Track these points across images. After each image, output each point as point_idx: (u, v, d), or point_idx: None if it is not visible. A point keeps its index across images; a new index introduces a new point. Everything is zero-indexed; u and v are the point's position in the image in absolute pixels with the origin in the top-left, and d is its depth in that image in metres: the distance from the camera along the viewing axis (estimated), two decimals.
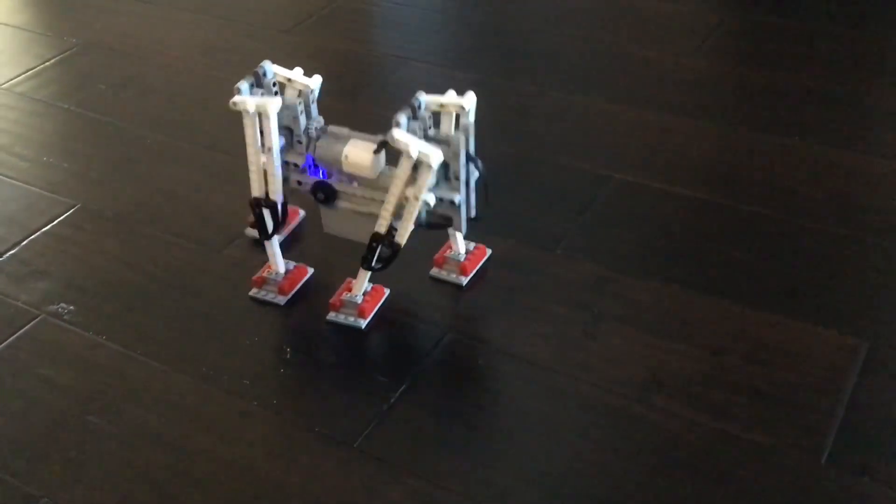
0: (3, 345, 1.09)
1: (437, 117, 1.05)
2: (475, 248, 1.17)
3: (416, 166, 1.00)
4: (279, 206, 1.08)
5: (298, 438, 0.97)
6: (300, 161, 1.09)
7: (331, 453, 0.95)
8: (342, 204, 1.09)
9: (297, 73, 1.09)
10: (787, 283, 1.12)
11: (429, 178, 1.00)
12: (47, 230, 1.26)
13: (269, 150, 1.06)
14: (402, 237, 1.04)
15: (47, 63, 1.65)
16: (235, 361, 1.06)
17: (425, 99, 1.04)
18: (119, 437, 0.97)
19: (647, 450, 0.94)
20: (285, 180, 1.09)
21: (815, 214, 1.22)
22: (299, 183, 1.10)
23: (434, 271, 1.15)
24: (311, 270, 1.16)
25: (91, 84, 1.56)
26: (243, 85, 1.06)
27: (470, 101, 1.04)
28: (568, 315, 1.09)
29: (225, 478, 0.93)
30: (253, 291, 1.14)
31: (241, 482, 0.93)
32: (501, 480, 0.92)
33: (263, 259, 1.16)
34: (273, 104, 1.04)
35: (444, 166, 1.03)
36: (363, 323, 1.09)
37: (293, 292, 1.13)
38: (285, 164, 1.09)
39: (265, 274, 1.14)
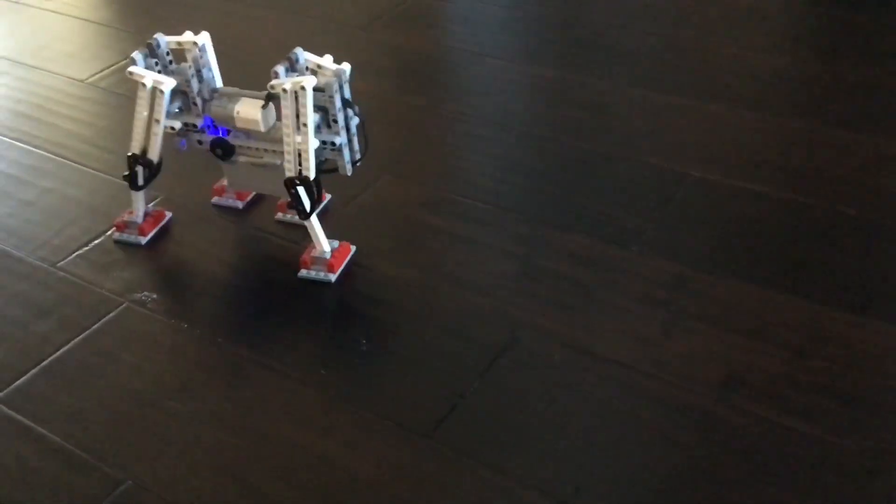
0: (89, 331, 1.12)
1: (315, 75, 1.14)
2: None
3: (296, 98, 1.08)
4: (155, 165, 1.20)
5: (374, 428, 0.97)
6: (198, 122, 1.18)
7: (406, 444, 0.95)
8: (241, 158, 1.19)
9: (186, 37, 1.16)
10: (872, 283, 1.09)
11: (309, 101, 1.08)
12: None
13: (157, 122, 1.17)
14: (309, 169, 1.11)
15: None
16: (313, 351, 1.07)
17: (304, 56, 1.13)
18: (200, 422, 0.99)
19: (725, 450, 0.92)
20: (185, 139, 1.20)
21: None
22: (199, 142, 1.20)
23: (278, 215, 1.26)
24: (168, 214, 1.28)
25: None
26: (137, 56, 1.16)
27: (345, 68, 1.12)
28: (645, 312, 1.08)
29: (301, 465, 0.94)
30: (116, 235, 1.25)
31: (316, 470, 0.94)
32: (576, 476, 0.91)
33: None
34: (168, 84, 1.14)
35: (324, 111, 1.11)
36: (332, 277, 1.16)
37: (152, 233, 1.25)
38: (184, 125, 1.18)
39: (125, 217, 1.25)
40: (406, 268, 1.17)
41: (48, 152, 1.45)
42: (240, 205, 1.29)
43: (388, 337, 1.08)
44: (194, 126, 1.18)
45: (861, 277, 1.10)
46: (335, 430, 0.98)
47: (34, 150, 1.46)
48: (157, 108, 1.16)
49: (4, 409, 1.02)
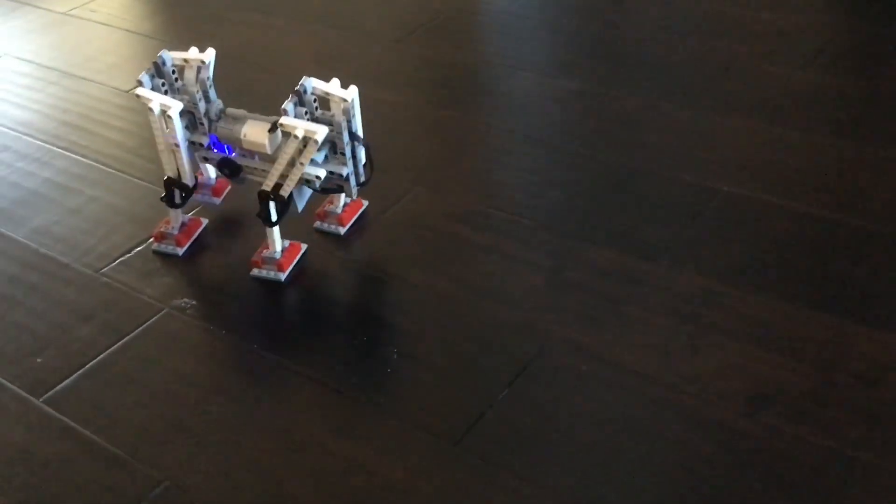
0: (130, 336, 1.15)
1: (324, 101, 1.17)
2: (352, 201, 1.30)
3: (305, 142, 1.12)
4: (190, 187, 1.24)
5: (403, 435, 1.00)
6: (204, 140, 1.21)
7: (436, 451, 0.98)
8: (247, 176, 1.22)
9: (192, 53, 1.19)
10: None
11: (314, 150, 1.12)
12: None
13: (177, 146, 1.19)
14: (286, 190, 1.16)
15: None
16: (346, 359, 1.09)
17: (311, 85, 1.15)
18: (236, 426, 1.02)
19: (751, 466, 0.93)
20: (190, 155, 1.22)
21: None
22: (205, 159, 1.23)
23: (316, 224, 1.29)
24: (204, 222, 1.31)
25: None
26: (144, 77, 1.18)
27: (352, 94, 1.15)
28: (673, 326, 1.09)
29: (333, 470, 0.97)
30: (154, 246, 1.28)
31: (347, 475, 0.96)
32: (600, 489, 0.92)
33: (379, 263, 1.20)
34: (175, 107, 1.16)
35: (332, 144, 1.16)
36: (283, 276, 1.20)
37: (188, 244, 1.28)
38: (191, 143, 1.20)
39: (163, 229, 1.28)
40: (437, 279, 1.19)
41: (94, 161, 1.49)
42: (217, 201, 1.33)
43: (418, 346, 1.10)
44: (201, 145, 1.21)
45: (889, 294, 1.10)
46: (366, 436, 1.00)
47: (80, 158, 1.50)
48: (171, 132, 1.18)
49: (49, 409, 1.06)
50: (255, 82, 1.66)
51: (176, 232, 1.28)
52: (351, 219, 1.29)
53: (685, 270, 1.17)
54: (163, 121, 1.18)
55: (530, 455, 0.96)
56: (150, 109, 1.17)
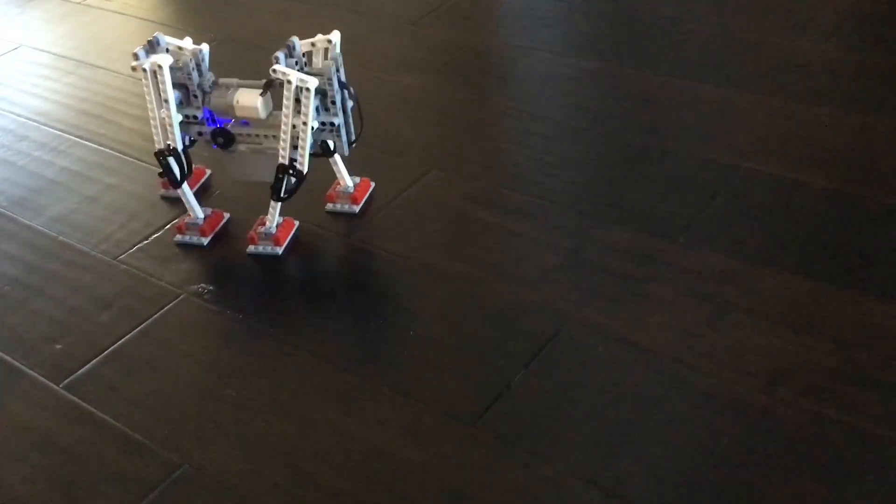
0: (149, 321, 1.16)
1: (310, 57, 1.21)
2: (361, 181, 1.31)
3: (298, 96, 1.13)
4: (181, 153, 1.21)
5: (421, 416, 0.99)
6: (198, 114, 1.21)
7: (453, 431, 0.97)
8: (241, 147, 1.22)
9: (186, 42, 1.22)
10: None
11: (311, 102, 1.13)
12: None
13: (166, 101, 1.18)
14: (304, 165, 1.18)
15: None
16: (363, 341, 1.09)
17: (298, 42, 1.19)
18: (254, 409, 1.03)
19: (771, 442, 0.92)
20: (186, 131, 1.22)
21: None
22: (200, 133, 1.23)
23: (329, 206, 1.30)
24: (227, 215, 1.30)
25: (229, 77, 1.63)
26: (140, 52, 1.19)
27: (336, 36, 1.19)
28: (691, 305, 1.08)
29: (350, 451, 0.97)
30: (177, 238, 1.27)
31: (365, 456, 0.96)
32: (620, 465, 0.92)
33: (396, 245, 1.19)
34: (164, 59, 1.16)
35: (322, 95, 1.16)
36: (279, 250, 1.23)
37: (213, 234, 1.28)
38: (185, 117, 1.21)
39: (186, 220, 1.27)
40: (454, 260, 1.19)
41: (111, 149, 1.50)
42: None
43: (435, 327, 1.10)
44: (195, 118, 1.21)
45: None
46: (384, 417, 1.00)
47: (98, 147, 1.51)
48: (161, 87, 1.17)
49: (69, 395, 1.07)
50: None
51: (200, 222, 1.26)
52: (363, 197, 1.29)
53: (704, 249, 1.15)
54: (154, 83, 1.17)
55: (549, 435, 0.96)
56: (143, 71, 1.16)
